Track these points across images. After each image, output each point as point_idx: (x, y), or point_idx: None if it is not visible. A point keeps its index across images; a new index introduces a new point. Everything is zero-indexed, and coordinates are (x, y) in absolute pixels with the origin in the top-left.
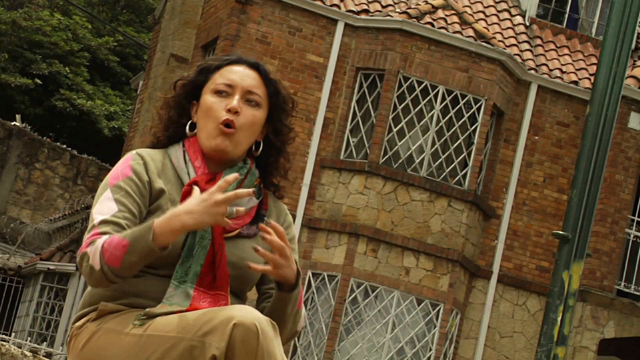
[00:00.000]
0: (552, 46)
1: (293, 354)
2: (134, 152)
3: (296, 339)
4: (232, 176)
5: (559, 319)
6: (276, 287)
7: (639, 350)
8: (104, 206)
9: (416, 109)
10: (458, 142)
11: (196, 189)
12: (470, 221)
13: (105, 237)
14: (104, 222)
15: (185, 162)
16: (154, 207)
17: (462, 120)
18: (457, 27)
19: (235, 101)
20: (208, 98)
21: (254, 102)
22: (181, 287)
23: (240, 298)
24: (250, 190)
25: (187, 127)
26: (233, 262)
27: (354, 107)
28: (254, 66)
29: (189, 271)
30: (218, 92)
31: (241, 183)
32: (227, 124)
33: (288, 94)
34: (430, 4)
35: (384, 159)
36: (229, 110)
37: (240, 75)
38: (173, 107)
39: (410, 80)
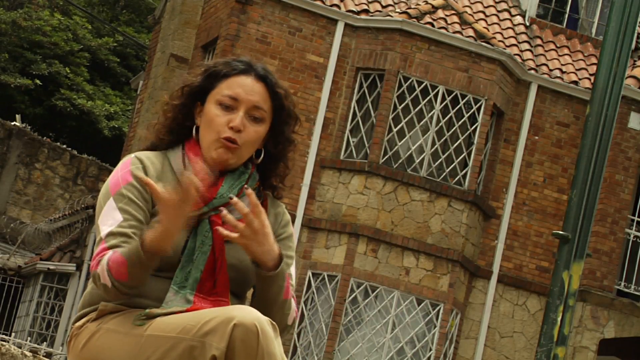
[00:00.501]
0: (552, 46)
1: (293, 354)
2: (132, 155)
3: (296, 338)
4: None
5: (559, 319)
6: (254, 266)
7: (639, 350)
8: (109, 217)
9: (416, 109)
10: (458, 142)
11: (153, 186)
12: (470, 221)
13: (109, 254)
14: (110, 234)
15: (185, 167)
16: (155, 210)
17: (462, 120)
18: (457, 27)
19: (238, 119)
20: (212, 109)
21: (258, 118)
22: (181, 293)
23: (239, 298)
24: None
25: (194, 131)
26: (233, 264)
27: (354, 107)
28: (262, 78)
29: (188, 277)
30: (222, 105)
31: (243, 187)
32: (229, 140)
33: (293, 108)
34: (430, 4)
35: (384, 159)
36: (231, 128)
37: (247, 89)
38: (178, 110)
39: (410, 80)
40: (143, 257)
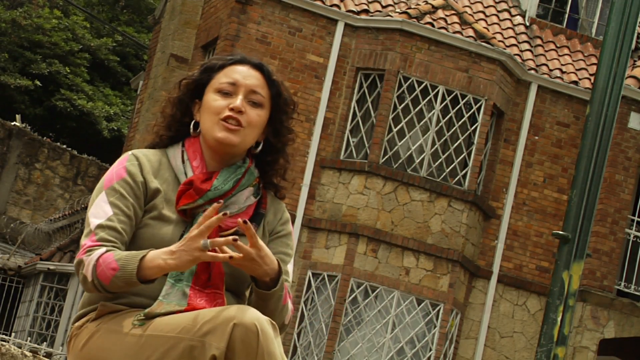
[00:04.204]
0: (552, 46)
1: (293, 354)
2: (129, 152)
3: (296, 338)
4: (213, 207)
5: (559, 319)
6: (252, 282)
7: (639, 350)
8: (99, 210)
9: (416, 109)
10: (458, 142)
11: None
12: (470, 221)
13: (101, 250)
14: (100, 227)
15: (183, 162)
16: (150, 206)
17: (462, 120)
18: (457, 27)
19: (238, 100)
20: (211, 96)
21: (257, 103)
22: (177, 286)
23: (238, 297)
24: (230, 238)
25: (192, 127)
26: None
27: (354, 107)
28: (258, 67)
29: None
30: (221, 91)
31: (238, 182)
32: (231, 120)
33: (290, 96)
34: (430, 4)
35: (384, 159)
36: (232, 109)
37: (244, 74)
38: (177, 105)
39: (410, 80)
40: (134, 277)
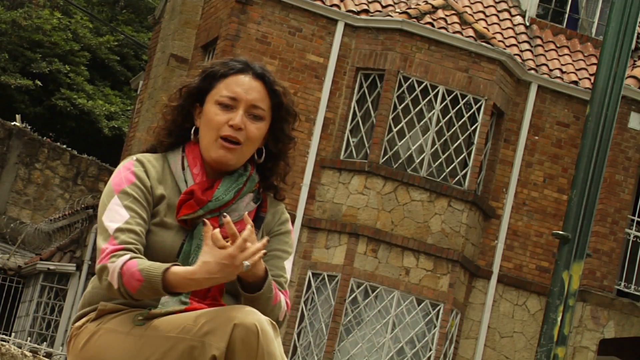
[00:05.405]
0: (552, 46)
1: (293, 354)
2: (133, 157)
3: (296, 338)
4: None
5: (559, 319)
6: (238, 284)
7: (639, 350)
8: (115, 213)
9: (416, 109)
10: (458, 142)
11: (210, 236)
12: (470, 221)
13: (125, 257)
14: (119, 230)
15: (184, 169)
16: (153, 212)
17: (462, 120)
18: (457, 27)
19: (238, 117)
20: (211, 109)
21: (258, 116)
22: (176, 296)
23: (237, 299)
24: (264, 241)
25: (192, 133)
26: None
27: (354, 107)
28: (260, 76)
29: None
30: (222, 105)
31: (240, 190)
32: (229, 139)
33: (291, 104)
34: (430, 4)
35: (384, 159)
36: (231, 126)
37: (246, 88)
38: (178, 112)
39: (410, 80)
40: (160, 289)
